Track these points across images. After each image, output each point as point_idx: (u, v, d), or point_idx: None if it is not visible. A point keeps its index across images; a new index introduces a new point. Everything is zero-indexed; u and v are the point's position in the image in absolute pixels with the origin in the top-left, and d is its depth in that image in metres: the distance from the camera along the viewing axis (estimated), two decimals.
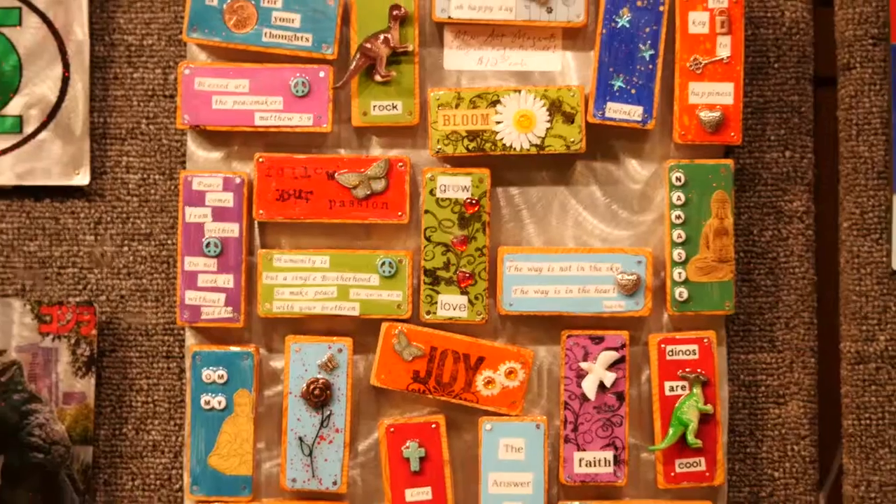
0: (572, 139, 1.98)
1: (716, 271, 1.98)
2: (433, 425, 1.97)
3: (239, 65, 1.99)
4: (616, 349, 1.98)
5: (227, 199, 1.99)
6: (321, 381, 1.97)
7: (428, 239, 1.98)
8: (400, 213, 1.98)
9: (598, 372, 1.98)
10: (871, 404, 2.03)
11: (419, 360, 1.98)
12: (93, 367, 2.03)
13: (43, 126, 2.06)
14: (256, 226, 2.02)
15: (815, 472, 2.07)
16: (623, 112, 1.98)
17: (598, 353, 1.98)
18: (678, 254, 1.97)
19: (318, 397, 1.97)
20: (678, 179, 1.97)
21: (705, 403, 1.97)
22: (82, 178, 2.05)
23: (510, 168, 2.02)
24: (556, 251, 1.99)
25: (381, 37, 1.97)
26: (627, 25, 1.98)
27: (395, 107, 2.00)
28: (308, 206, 1.99)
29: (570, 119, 1.98)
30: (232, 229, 1.99)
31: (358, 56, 1.98)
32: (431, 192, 1.98)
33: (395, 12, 1.98)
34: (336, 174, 1.98)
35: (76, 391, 2.03)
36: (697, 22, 1.97)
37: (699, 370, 1.98)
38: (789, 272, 2.06)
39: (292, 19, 1.99)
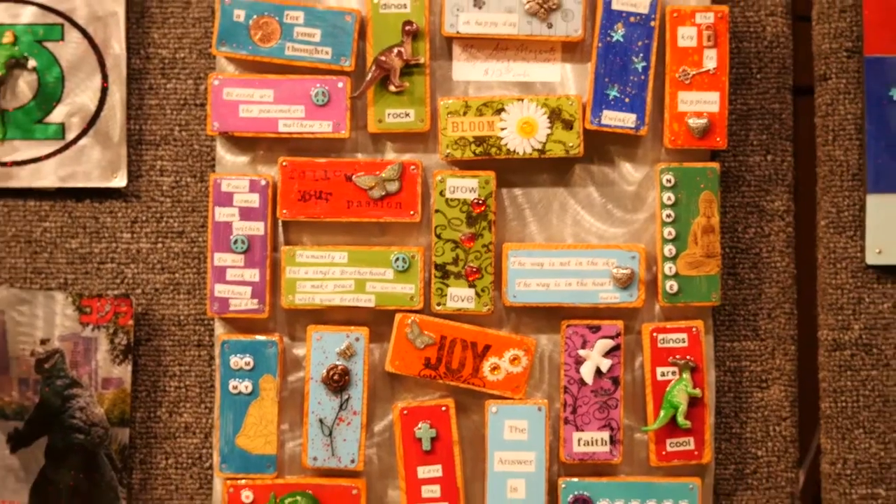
0: (571, 144, 2.00)
1: (703, 266, 2.00)
2: (443, 408, 2.00)
3: (264, 76, 2.01)
4: (612, 337, 2.00)
5: (254, 200, 2.01)
6: (340, 367, 1.99)
7: (438, 236, 2.00)
8: (412, 213, 2.00)
9: (595, 359, 2.00)
10: (846, 388, 2.04)
11: (430, 348, 2.00)
12: (129, 355, 2.04)
13: (84, 133, 2.06)
14: (280, 224, 2.03)
15: (796, 451, 2.07)
16: (618, 119, 1.99)
17: (595, 342, 2.00)
18: (669, 250, 2.00)
19: (338, 382, 1.99)
20: (668, 181, 2.00)
21: (694, 388, 1.99)
22: (120, 181, 2.06)
23: (514, 171, 2.03)
24: (557, 247, 2.01)
25: (395, 50, 2.00)
26: (621, 39, 2.00)
27: (407, 114, 2.02)
28: (328, 206, 2.00)
29: (568, 126, 2.00)
30: (258, 227, 2.01)
31: (374, 68, 2.00)
32: (441, 193, 2.00)
33: (407, 28, 2.00)
34: (353, 176, 2.00)
35: (114, 377, 2.04)
36: (686, 36, 1.99)
37: (688, 357, 1.99)
38: (771, 266, 2.06)
39: (313, 34, 2.01)
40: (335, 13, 2.00)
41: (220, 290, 2.01)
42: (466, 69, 2.05)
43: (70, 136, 2.07)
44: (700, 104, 1.99)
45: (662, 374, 2.00)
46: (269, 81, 2.00)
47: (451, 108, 2.00)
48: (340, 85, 2.00)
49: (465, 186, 2.00)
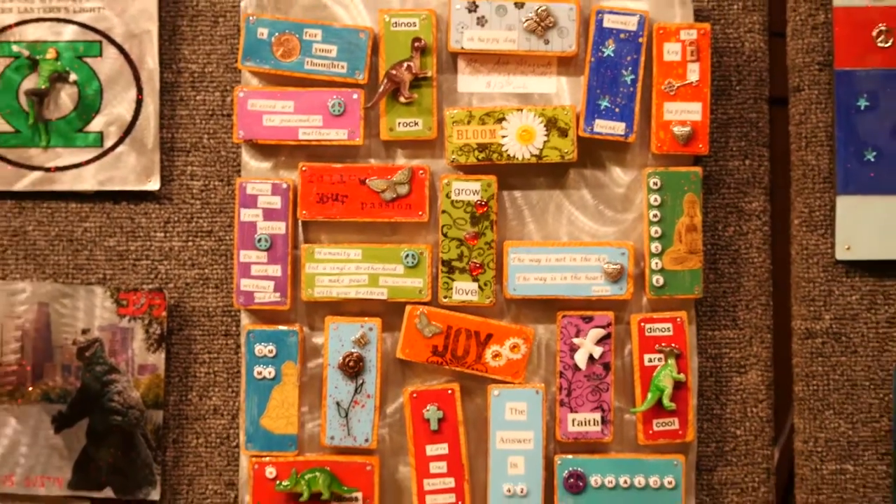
0: (566, 150, 2.02)
1: (687, 261, 2.02)
2: (449, 391, 2.03)
3: (285, 89, 2.03)
4: (603, 327, 2.02)
5: (276, 202, 2.03)
6: (355, 354, 2.02)
7: (444, 235, 2.03)
8: (421, 213, 2.03)
9: (588, 346, 2.02)
10: (817, 373, 2.07)
11: (437, 337, 2.02)
12: (163, 344, 2.07)
13: (120, 141, 2.08)
14: (300, 224, 2.06)
15: (771, 430, 2.09)
16: (608, 127, 2.01)
17: (588, 331, 2.02)
18: (655, 246, 2.02)
19: (353, 368, 2.02)
20: (655, 184, 2.01)
21: (678, 373, 2.01)
22: (153, 185, 2.08)
23: (514, 175, 2.05)
24: (553, 244, 2.03)
25: (405, 64, 2.02)
26: (612, 54, 2.02)
27: (416, 123, 2.04)
28: (343, 208, 2.03)
29: (563, 133, 2.02)
30: (279, 227, 2.03)
31: (385, 81, 2.02)
32: (447, 195, 2.02)
33: (416, 44, 2.02)
34: (367, 180, 2.03)
35: (149, 363, 2.07)
36: (671, 51, 2.01)
37: (673, 345, 2.01)
38: (749, 262, 2.08)
39: (330, 50, 2.03)
40: (350, 31, 2.03)
41: (245, 284, 2.03)
42: (470, 82, 2.07)
43: (108, 143, 2.08)
44: (684, 113, 2.01)
45: (649, 361, 2.02)
46: (289, 93, 2.03)
47: (457, 117, 2.02)
48: (355, 96, 2.03)
49: (469, 189, 2.02)
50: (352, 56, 2.04)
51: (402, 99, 2.04)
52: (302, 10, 2.07)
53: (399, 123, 2.05)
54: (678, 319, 2.03)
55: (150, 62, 2.09)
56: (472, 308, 2.05)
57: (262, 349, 2.04)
